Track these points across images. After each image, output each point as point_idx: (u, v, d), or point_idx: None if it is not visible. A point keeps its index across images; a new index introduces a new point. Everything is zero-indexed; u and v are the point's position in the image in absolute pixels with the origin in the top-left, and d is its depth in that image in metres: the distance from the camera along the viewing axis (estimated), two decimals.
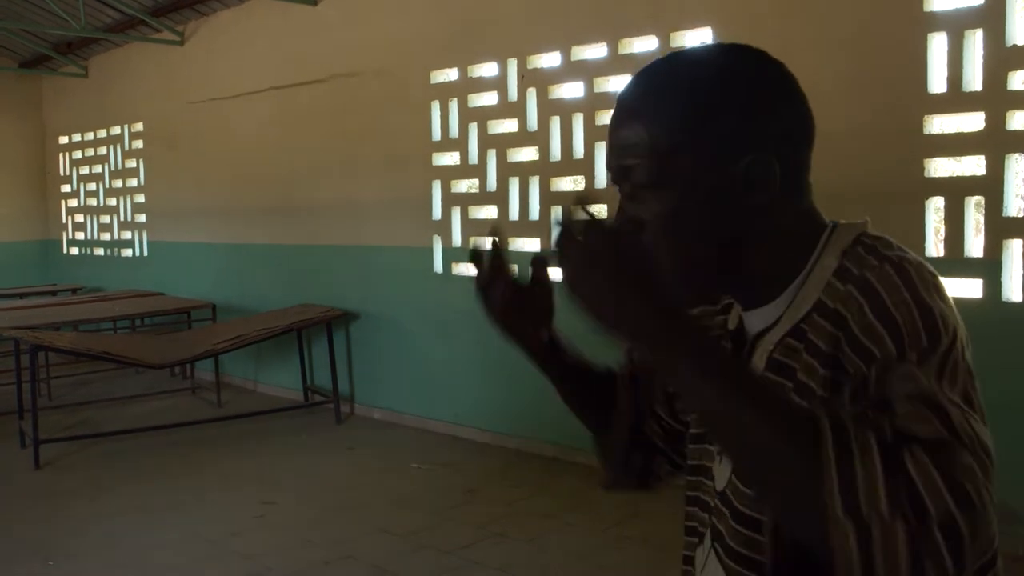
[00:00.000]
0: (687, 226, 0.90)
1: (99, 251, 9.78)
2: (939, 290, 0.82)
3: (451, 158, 5.84)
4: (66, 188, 10.28)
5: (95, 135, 9.65)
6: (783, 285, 0.92)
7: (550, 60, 5.26)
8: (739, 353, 0.98)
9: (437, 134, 5.88)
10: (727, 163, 0.88)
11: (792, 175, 0.91)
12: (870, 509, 0.69)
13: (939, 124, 3.83)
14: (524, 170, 5.41)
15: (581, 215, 0.84)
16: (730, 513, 0.95)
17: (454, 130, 5.78)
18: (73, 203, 10.19)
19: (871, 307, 0.80)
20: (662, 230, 0.90)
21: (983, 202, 3.71)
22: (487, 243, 1.05)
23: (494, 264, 1.04)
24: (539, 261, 1.06)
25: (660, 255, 0.89)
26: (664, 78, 0.93)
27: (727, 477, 0.96)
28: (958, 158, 3.99)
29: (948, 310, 0.81)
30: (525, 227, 5.40)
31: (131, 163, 9.05)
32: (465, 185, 5.83)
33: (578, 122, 5.09)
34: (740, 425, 0.76)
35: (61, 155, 10.30)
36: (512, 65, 5.39)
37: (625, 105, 0.94)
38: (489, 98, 5.59)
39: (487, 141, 5.59)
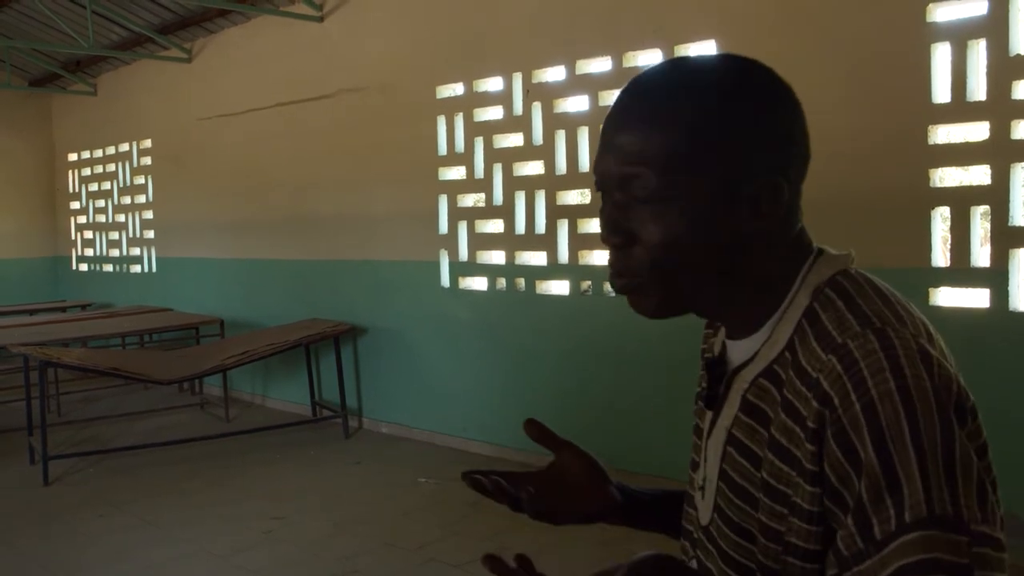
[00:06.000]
0: (686, 245, 0.84)
1: (108, 267, 9.83)
2: (927, 359, 0.76)
3: (457, 172, 5.86)
4: (75, 205, 10.33)
5: (104, 152, 9.71)
6: (765, 316, 0.88)
7: (555, 74, 5.28)
8: (717, 385, 0.93)
9: (443, 148, 5.90)
10: (736, 185, 0.83)
11: (794, 200, 0.87)
12: None
13: (944, 134, 3.83)
14: (530, 184, 5.42)
15: None
16: (717, 553, 0.90)
17: (460, 144, 5.80)
18: (82, 220, 10.25)
19: (857, 396, 0.74)
20: (659, 247, 0.85)
21: (989, 212, 3.71)
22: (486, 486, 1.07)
23: (502, 486, 1.08)
24: (532, 426, 1.11)
25: (654, 269, 0.86)
26: (677, 85, 0.85)
27: (710, 514, 0.92)
28: (964, 168, 3.98)
29: (940, 379, 0.75)
30: (532, 241, 5.41)
31: (139, 179, 9.10)
32: (471, 199, 5.85)
33: (583, 135, 5.11)
34: None
35: (70, 172, 10.37)
36: (517, 79, 5.41)
37: (630, 108, 0.86)
38: (495, 112, 5.62)
39: (493, 155, 5.61)
